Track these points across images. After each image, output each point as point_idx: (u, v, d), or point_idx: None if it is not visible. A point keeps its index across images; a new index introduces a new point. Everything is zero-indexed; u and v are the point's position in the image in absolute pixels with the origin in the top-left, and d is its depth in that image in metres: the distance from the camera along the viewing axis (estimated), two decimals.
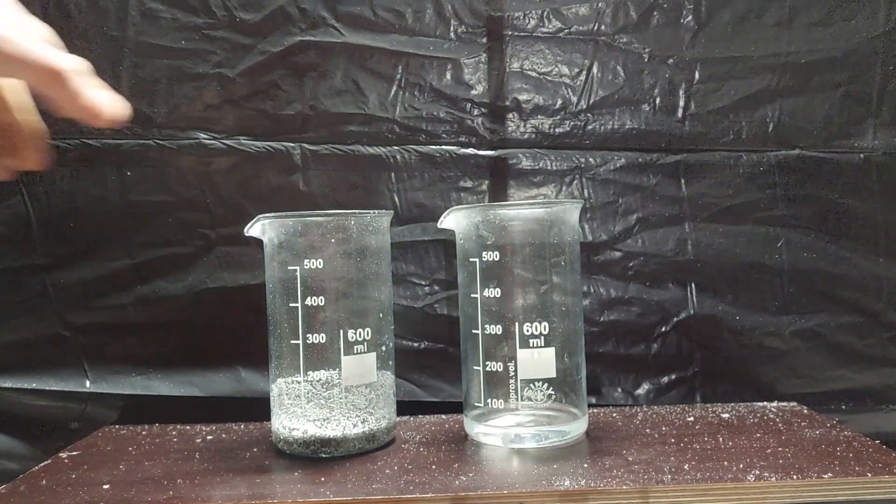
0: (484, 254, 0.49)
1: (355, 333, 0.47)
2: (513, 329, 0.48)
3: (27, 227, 0.58)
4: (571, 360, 0.49)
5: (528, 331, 0.48)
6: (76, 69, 0.34)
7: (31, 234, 0.58)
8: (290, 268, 0.47)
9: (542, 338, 0.48)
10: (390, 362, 0.50)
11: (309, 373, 0.47)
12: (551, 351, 0.48)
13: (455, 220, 0.51)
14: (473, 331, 0.49)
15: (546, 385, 0.48)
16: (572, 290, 0.50)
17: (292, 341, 0.47)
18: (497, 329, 0.48)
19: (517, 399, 0.48)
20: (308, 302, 0.47)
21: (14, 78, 0.35)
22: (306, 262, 0.47)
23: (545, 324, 0.48)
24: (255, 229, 0.48)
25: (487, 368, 0.49)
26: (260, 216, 0.48)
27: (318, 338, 0.47)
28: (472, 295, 0.50)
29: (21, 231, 0.58)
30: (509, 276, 0.49)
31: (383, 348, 0.49)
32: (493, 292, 0.49)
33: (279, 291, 0.48)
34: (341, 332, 0.47)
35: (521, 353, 0.48)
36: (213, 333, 0.60)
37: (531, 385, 0.48)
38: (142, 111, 0.59)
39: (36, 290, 0.59)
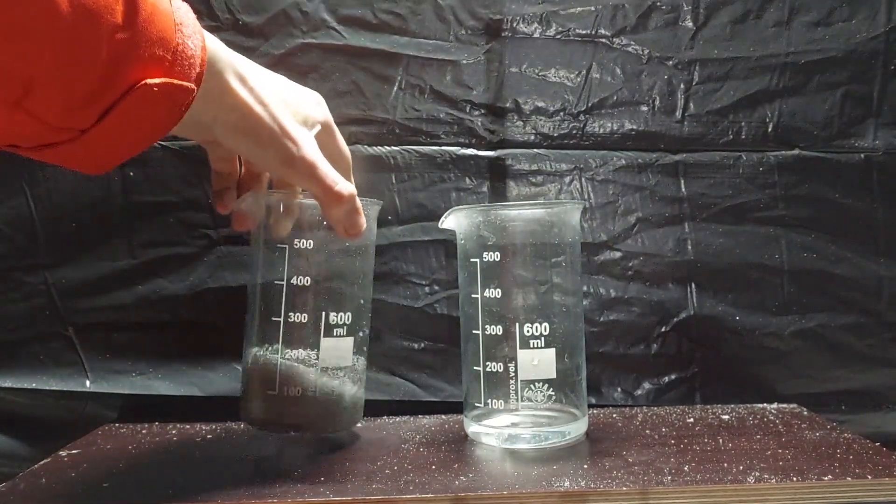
0: (485, 254, 0.48)
1: (336, 317, 0.47)
2: (513, 330, 0.47)
3: (30, 227, 0.58)
4: (572, 360, 0.48)
5: (528, 331, 0.47)
6: (352, 195, 0.43)
7: (34, 234, 0.58)
8: (279, 246, 0.47)
9: (543, 338, 0.47)
10: (364, 348, 0.50)
11: (287, 351, 0.46)
12: (552, 352, 0.47)
13: (456, 221, 0.50)
14: (474, 331, 0.49)
15: (546, 386, 0.47)
16: (573, 291, 0.49)
17: (273, 318, 0.46)
18: (497, 329, 0.48)
19: (517, 400, 0.47)
20: (293, 282, 0.46)
21: (302, 187, 0.43)
22: (295, 241, 0.46)
23: (546, 324, 0.47)
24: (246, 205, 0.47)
25: (488, 369, 0.48)
26: (249, 193, 0.47)
27: (300, 318, 0.46)
28: (473, 295, 0.49)
29: (24, 231, 0.58)
30: (510, 276, 0.48)
31: (360, 334, 0.49)
32: (494, 293, 0.48)
33: (265, 269, 0.48)
34: (323, 314, 0.46)
35: (522, 354, 0.47)
36: (214, 333, 0.59)
37: (531, 386, 0.47)
38: None
39: (38, 289, 0.58)
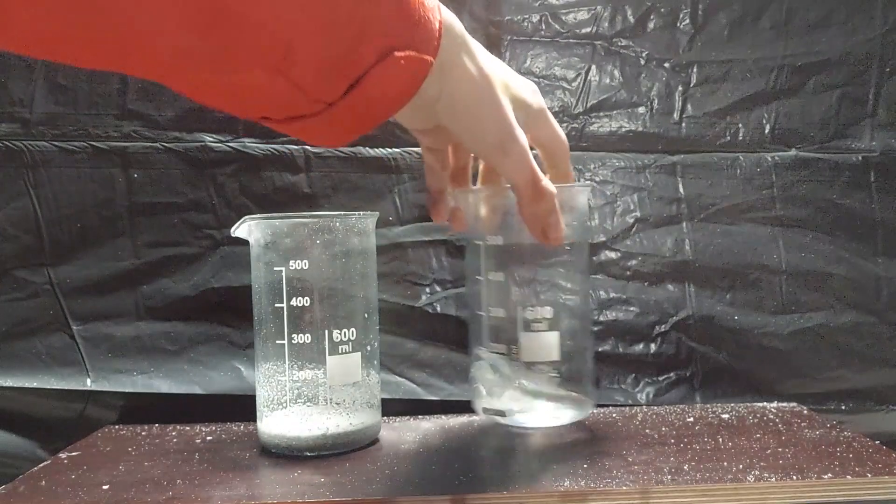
0: (489, 237, 0.47)
1: (340, 333, 0.46)
2: (515, 313, 0.46)
3: (35, 227, 0.57)
4: (576, 342, 0.47)
5: (531, 315, 0.46)
6: (553, 194, 0.40)
7: (39, 234, 0.57)
8: (275, 269, 0.46)
9: (546, 322, 0.46)
10: (375, 362, 0.49)
11: (294, 372, 0.46)
12: (555, 335, 0.46)
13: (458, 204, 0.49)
14: (478, 312, 0.48)
15: (549, 368, 0.46)
16: (581, 271, 0.48)
17: (277, 341, 0.46)
18: (501, 312, 0.47)
19: (520, 381, 0.47)
20: (293, 303, 0.46)
21: (506, 175, 0.40)
22: (291, 262, 0.46)
23: (549, 308, 0.46)
24: (241, 230, 0.47)
25: (492, 352, 0.47)
26: (246, 217, 0.46)
27: (304, 338, 0.45)
28: (477, 277, 0.48)
29: (28, 230, 0.57)
30: (515, 259, 0.47)
31: (368, 348, 0.48)
32: (497, 276, 0.47)
33: (265, 292, 0.47)
34: (326, 332, 0.46)
35: (524, 337, 0.46)
36: (216, 332, 0.58)
37: (534, 367, 0.46)
38: (149, 114, 0.57)
39: (42, 288, 0.57)
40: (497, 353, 0.47)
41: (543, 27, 0.59)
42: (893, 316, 0.58)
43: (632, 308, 0.59)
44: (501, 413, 0.48)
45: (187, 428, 0.54)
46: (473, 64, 0.36)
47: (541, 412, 0.47)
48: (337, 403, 0.46)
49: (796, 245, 0.59)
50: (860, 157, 0.59)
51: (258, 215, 0.47)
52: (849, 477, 0.39)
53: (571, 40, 0.59)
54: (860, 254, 0.59)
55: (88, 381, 0.57)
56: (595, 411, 0.55)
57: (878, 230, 0.59)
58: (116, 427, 0.55)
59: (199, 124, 0.58)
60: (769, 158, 0.59)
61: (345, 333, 0.46)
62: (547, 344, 0.46)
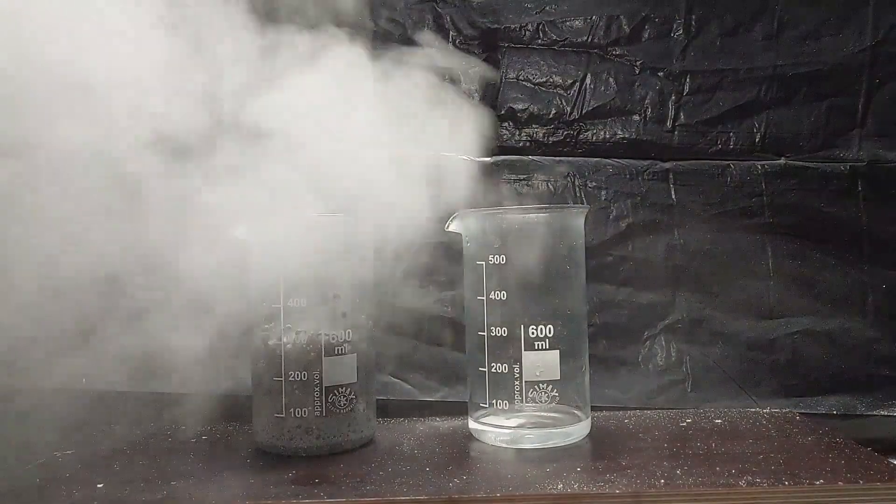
0: (490, 257, 0.46)
1: (337, 335, 0.44)
2: (518, 332, 0.45)
3: None
4: (576, 362, 0.46)
5: (533, 333, 0.45)
6: None
7: None
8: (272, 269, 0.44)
9: (547, 340, 0.45)
10: (372, 363, 0.48)
11: (290, 373, 0.44)
12: (556, 354, 0.45)
13: (462, 224, 0.48)
14: (479, 333, 0.47)
15: (550, 387, 0.45)
16: (577, 294, 0.47)
17: (270, 343, 0.44)
18: (503, 331, 0.46)
19: (521, 400, 0.45)
20: (290, 303, 0.44)
21: None
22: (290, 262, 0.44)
23: (550, 327, 0.45)
24: (240, 232, 0.46)
25: (492, 370, 0.46)
26: (244, 220, 0.45)
27: (300, 338, 0.44)
28: (479, 297, 0.47)
29: None
30: (515, 279, 0.46)
31: (365, 349, 0.47)
32: (500, 295, 0.46)
33: (260, 294, 0.45)
34: (323, 333, 0.44)
35: (526, 356, 0.45)
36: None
37: (535, 387, 0.45)
38: None
39: None
40: (499, 372, 0.46)
41: (540, 35, 0.58)
42: (880, 322, 0.57)
43: (623, 312, 0.58)
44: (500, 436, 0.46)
45: (183, 427, 0.52)
46: None
47: (538, 434, 0.45)
48: (333, 404, 0.45)
49: (785, 251, 0.58)
50: (848, 167, 0.58)
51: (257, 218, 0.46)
52: (840, 483, 0.38)
53: (567, 49, 0.58)
54: (847, 261, 0.58)
55: (84, 378, 0.56)
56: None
57: (865, 238, 0.58)
58: (113, 425, 0.53)
59: None
60: (759, 167, 0.58)
61: (341, 334, 0.45)
62: (549, 362, 0.45)
